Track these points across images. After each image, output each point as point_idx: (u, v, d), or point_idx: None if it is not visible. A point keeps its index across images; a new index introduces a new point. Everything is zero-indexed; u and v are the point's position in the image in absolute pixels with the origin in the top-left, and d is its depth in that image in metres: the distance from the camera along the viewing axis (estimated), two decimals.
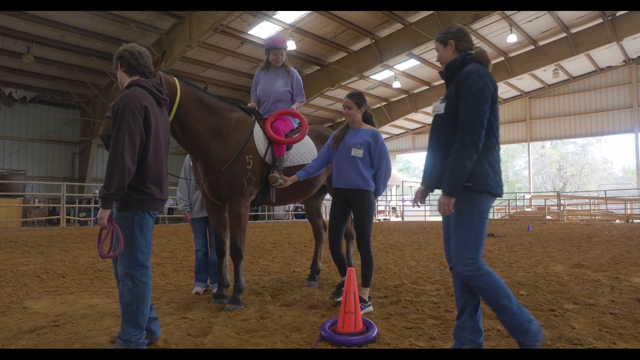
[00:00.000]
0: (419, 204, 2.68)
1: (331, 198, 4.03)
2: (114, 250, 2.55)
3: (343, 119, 3.78)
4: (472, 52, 2.52)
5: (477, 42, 18.62)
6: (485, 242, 2.46)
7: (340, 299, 3.75)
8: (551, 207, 21.61)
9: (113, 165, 2.40)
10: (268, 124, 4.01)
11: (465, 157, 2.29)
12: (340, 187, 3.67)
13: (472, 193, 2.36)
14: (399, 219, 24.37)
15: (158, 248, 8.19)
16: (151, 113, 2.57)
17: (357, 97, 3.73)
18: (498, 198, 2.49)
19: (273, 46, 4.29)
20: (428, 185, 2.57)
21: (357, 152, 3.61)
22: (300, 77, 4.44)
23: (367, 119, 3.83)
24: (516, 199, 25.36)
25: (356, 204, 3.64)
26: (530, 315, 2.36)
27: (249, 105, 4.32)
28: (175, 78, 3.54)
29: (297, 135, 4.20)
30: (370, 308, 3.61)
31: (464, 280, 2.39)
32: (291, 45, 15.64)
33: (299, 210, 23.60)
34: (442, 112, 2.46)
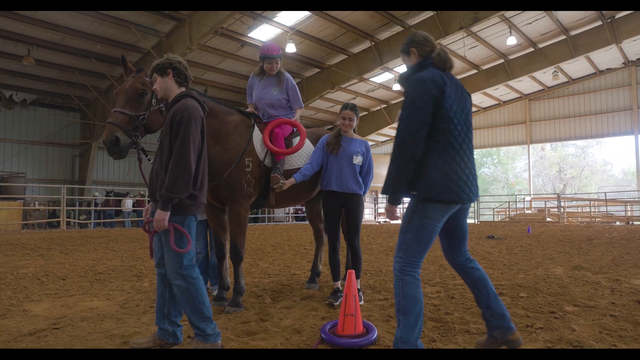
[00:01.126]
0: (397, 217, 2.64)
1: None
2: (183, 247, 2.67)
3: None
4: (432, 55, 2.50)
5: (476, 44, 18.74)
6: (424, 250, 2.40)
7: (338, 302, 3.80)
8: (551, 209, 21.61)
9: (179, 170, 2.59)
10: (266, 134, 3.98)
11: (398, 166, 2.32)
12: (338, 191, 3.93)
13: (421, 199, 2.38)
14: (399, 222, 24.33)
15: None
16: (203, 124, 2.84)
17: (357, 110, 4.06)
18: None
19: (268, 55, 4.18)
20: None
21: (358, 160, 3.98)
22: (294, 83, 4.36)
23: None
24: (516, 201, 25.38)
25: (352, 206, 3.98)
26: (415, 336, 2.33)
27: (247, 109, 4.33)
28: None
29: (295, 138, 4.26)
30: (362, 298, 3.96)
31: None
32: (291, 48, 15.67)
33: (299, 212, 23.61)
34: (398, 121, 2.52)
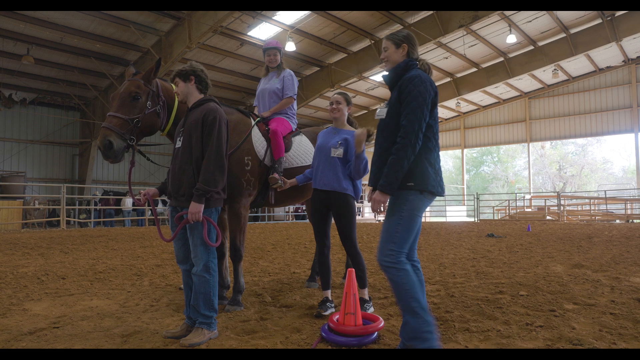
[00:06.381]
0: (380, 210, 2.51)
1: None
2: (214, 241, 2.92)
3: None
4: (418, 61, 2.62)
5: (476, 42, 18.76)
6: (412, 239, 2.52)
7: (328, 312, 3.45)
8: (551, 208, 21.60)
9: (215, 166, 2.83)
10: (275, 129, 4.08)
11: (403, 157, 2.38)
12: (320, 189, 3.53)
13: (413, 191, 2.45)
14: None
15: (158, 249, 8.19)
16: None
17: (346, 95, 3.66)
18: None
19: (267, 47, 4.49)
20: (374, 185, 2.56)
21: (338, 153, 3.48)
22: (292, 75, 4.51)
23: (350, 122, 3.84)
24: (516, 200, 25.36)
25: (335, 207, 3.50)
26: (434, 327, 2.41)
27: (255, 109, 4.39)
28: (172, 84, 3.58)
29: (295, 137, 4.32)
30: (372, 309, 3.59)
31: (382, 270, 2.47)
32: (290, 47, 15.65)
33: (299, 211, 23.61)
34: (384, 117, 2.58)
